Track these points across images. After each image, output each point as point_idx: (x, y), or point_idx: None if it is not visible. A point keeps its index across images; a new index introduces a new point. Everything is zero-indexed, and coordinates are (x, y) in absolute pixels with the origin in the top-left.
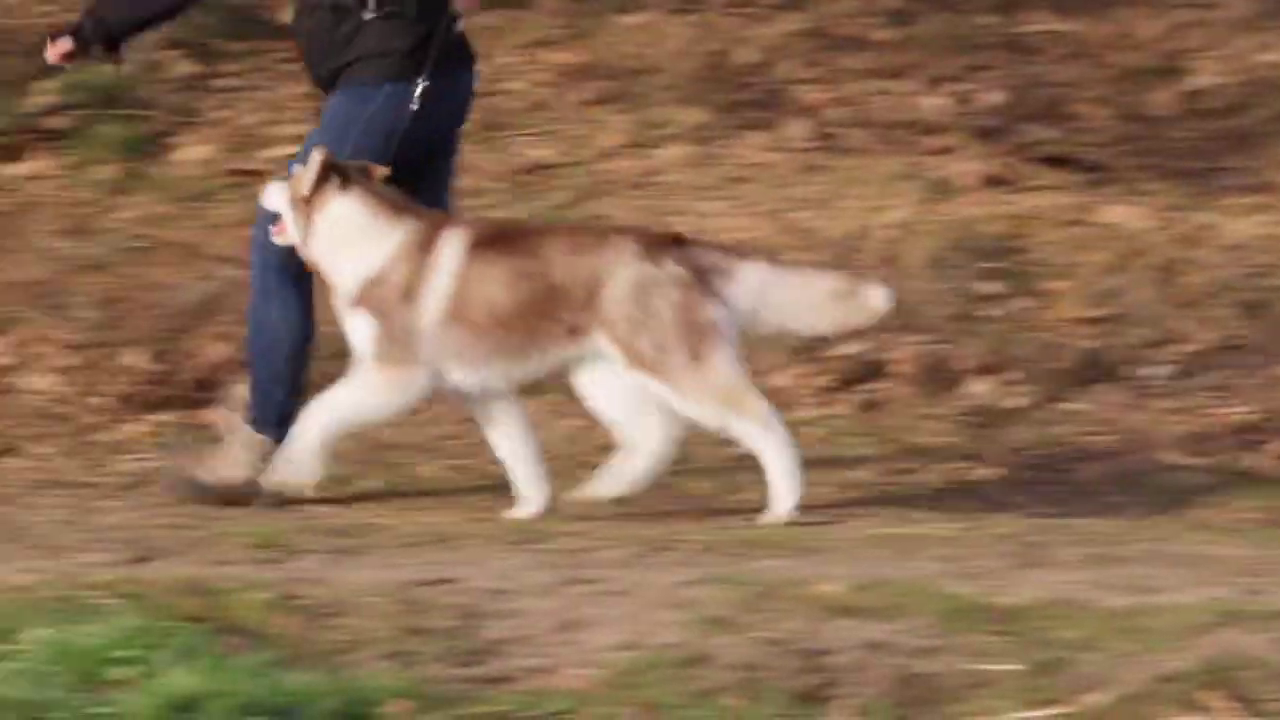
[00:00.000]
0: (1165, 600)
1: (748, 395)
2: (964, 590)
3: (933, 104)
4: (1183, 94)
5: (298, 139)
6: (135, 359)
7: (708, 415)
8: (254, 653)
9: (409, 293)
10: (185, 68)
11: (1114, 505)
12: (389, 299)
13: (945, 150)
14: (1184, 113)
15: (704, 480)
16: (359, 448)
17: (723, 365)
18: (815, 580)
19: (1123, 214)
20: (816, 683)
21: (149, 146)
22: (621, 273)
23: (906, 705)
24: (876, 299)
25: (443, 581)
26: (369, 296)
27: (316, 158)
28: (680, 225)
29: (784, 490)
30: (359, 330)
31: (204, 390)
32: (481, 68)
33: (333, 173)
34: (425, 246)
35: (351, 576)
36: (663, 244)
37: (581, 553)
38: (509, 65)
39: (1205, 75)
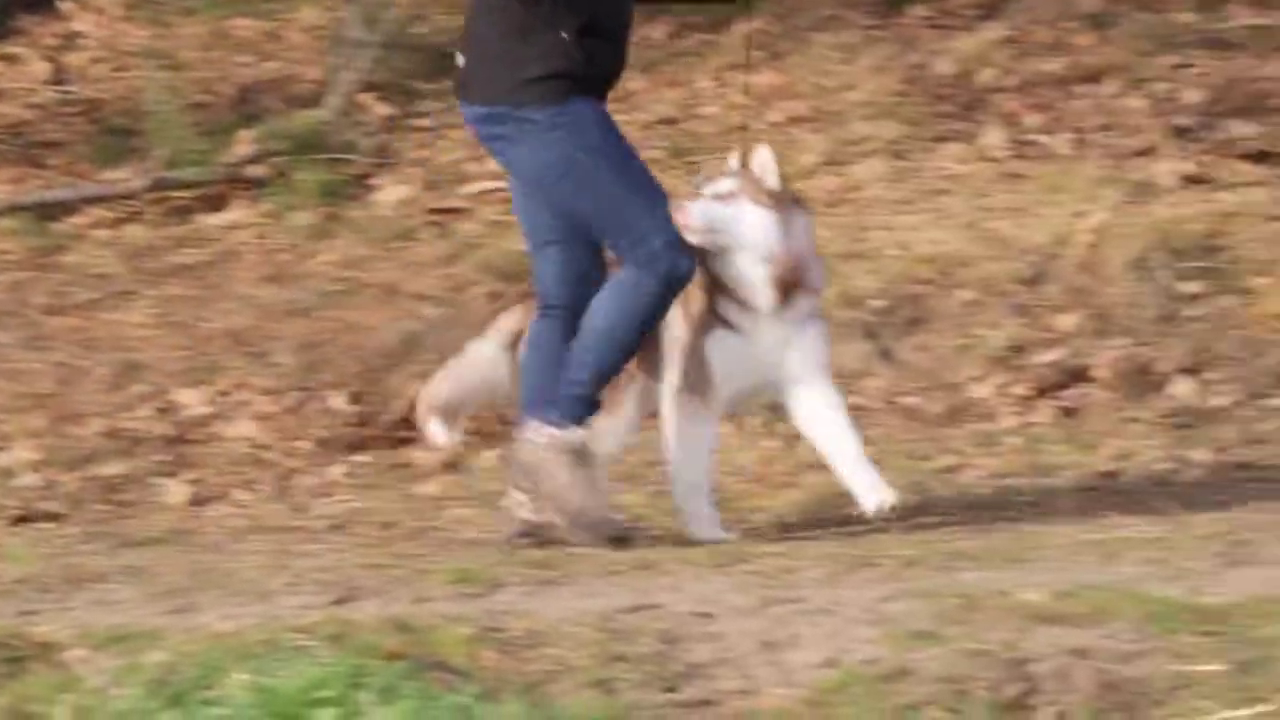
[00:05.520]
0: None
1: None
2: (1169, 592)
3: (1133, 105)
4: None
5: (496, 175)
6: (337, 401)
7: None
8: (457, 688)
9: None
10: (383, 110)
11: None
12: None
13: (1146, 151)
14: None
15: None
16: None
17: None
18: (1017, 589)
19: None
20: (1019, 691)
21: (348, 189)
22: None
23: (1110, 710)
24: None
25: (644, 607)
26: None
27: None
28: (879, 239)
29: None
30: (823, 339)
31: (406, 430)
32: (677, 93)
33: None
34: None
35: (554, 607)
36: None
37: (782, 573)
38: (704, 89)
39: None
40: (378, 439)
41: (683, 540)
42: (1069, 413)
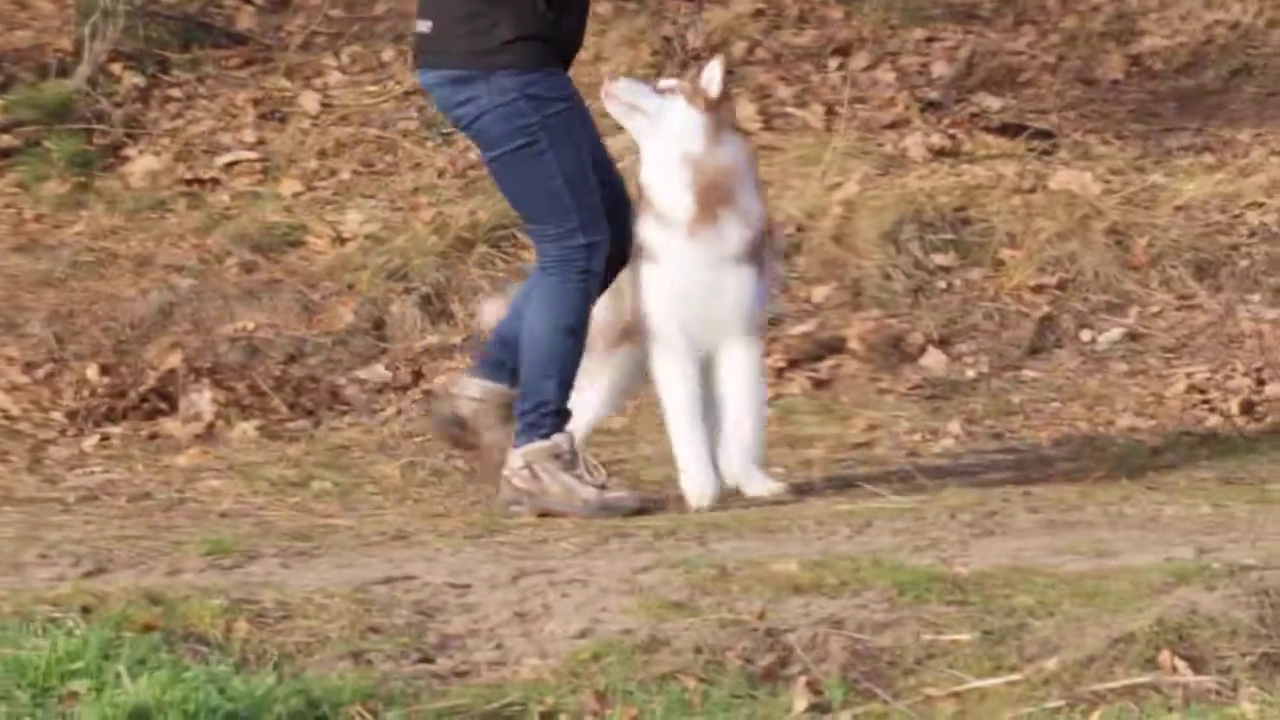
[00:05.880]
0: (1121, 563)
1: None
2: (920, 562)
3: (883, 78)
4: (1132, 56)
5: (248, 146)
6: (89, 372)
7: None
8: (210, 660)
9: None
10: (134, 79)
11: (1071, 470)
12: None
13: (896, 124)
14: (1134, 75)
15: (654, 468)
16: (313, 449)
17: None
18: (770, 559)
19: (1074, 179)
20: (773, 661)
21: (100, 160)
22: None
23: (863, 679)
24: None
25: (399, 579)
26: (761, 248)
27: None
28: None
29: None
30: (755, 286)
31: (159, 401)
32: None
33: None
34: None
35: (308, 578)
36: None
37: (536, 544)
38: None
39: (1155, 37)
40: (131, 410)
41: (436, 511)
42: (821, 384)
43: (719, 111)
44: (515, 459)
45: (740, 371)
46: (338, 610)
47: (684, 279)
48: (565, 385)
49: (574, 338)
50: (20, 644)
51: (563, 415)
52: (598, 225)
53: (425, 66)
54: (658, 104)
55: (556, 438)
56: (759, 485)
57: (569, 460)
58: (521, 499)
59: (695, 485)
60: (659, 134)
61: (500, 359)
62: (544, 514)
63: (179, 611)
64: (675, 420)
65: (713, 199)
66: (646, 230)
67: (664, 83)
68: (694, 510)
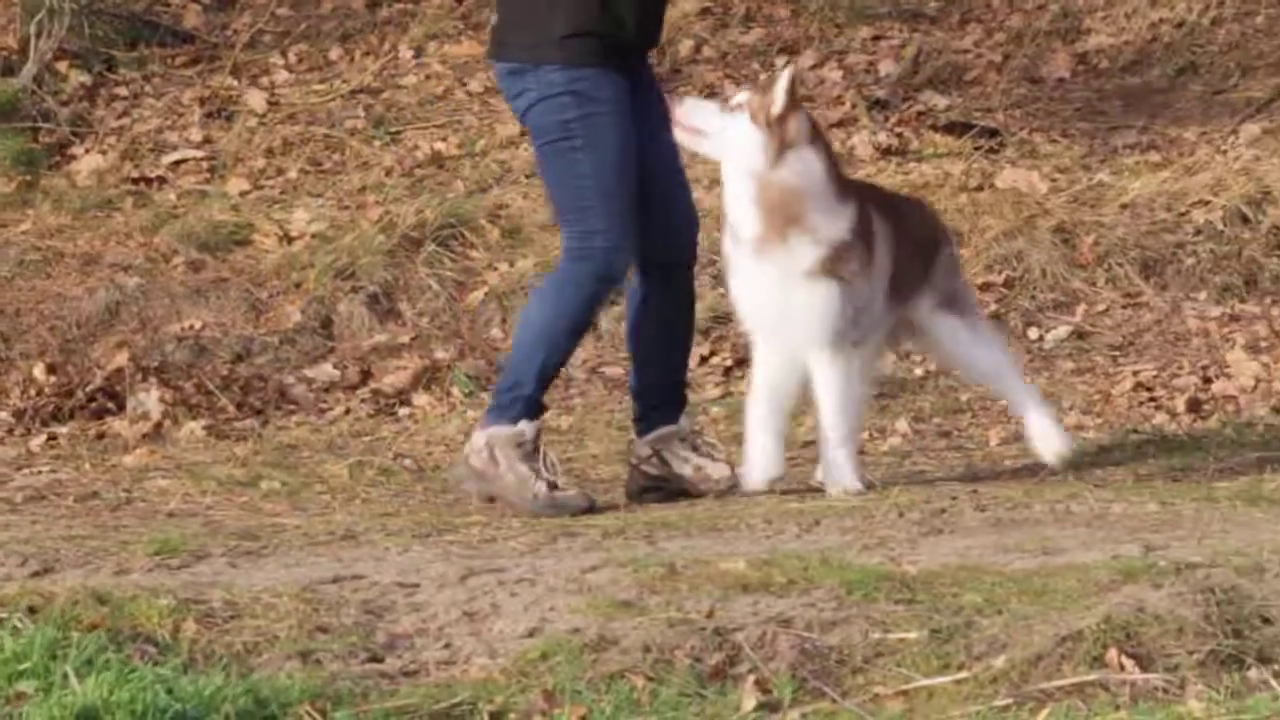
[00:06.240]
0: (1068, 561)
1: None
2: (868, 560)
3: (830, 77)
4: (1078, 55)
5: (196, 144)
6: (36, 372)
7: None
8: (158, 660)
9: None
10: (80, 78)
11: (1018, 469)
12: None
13: (844, 123)
14: (1080, 73)
15: (602, 467)
16: (261, 449)
17: None
18: (719, 558)
19: (1020, 177)
20: (722, 660)
21: (45, 159)
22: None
23: (811, 678)
24: None
25: (347, 578)
26: (843, 261)
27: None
28: None
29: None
30: (825, 303)
31: (106, 400)
32: (375, 64)
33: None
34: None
35: (255, 578)
36: None
37: (484, 543)
38: (404, 60)
39: (1101, 35)
40: (78, 409)
41: (385, 511)
42: None
43: (783, 128)
44: (478, 438)
45: (816, 387)
46: (286, 610)
47: (753, 294)
48: (545, 377)
49: (568, 334)
50: None
51: (534, 405)
52: (620, 231)
53: (492, 58)
54: (721, 123)
55: (522, 425)
56: (830, 487)
57: (529, 451)
58: (473, 479)
59: (749, 471)
60: (724, 152)
61: (647, 408)
62: (490, 499)
63: (126, 611)
64: (747, 405)
65: (779, 219)
66: (727, 241)
67: (735, 98)
68: (747, 493)
